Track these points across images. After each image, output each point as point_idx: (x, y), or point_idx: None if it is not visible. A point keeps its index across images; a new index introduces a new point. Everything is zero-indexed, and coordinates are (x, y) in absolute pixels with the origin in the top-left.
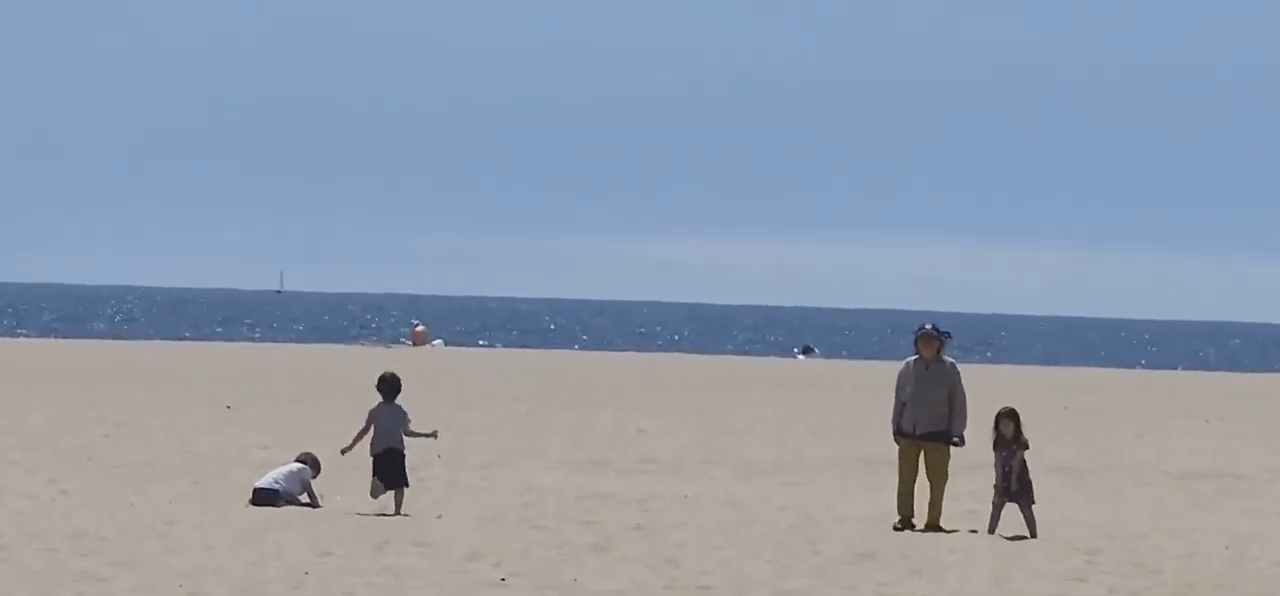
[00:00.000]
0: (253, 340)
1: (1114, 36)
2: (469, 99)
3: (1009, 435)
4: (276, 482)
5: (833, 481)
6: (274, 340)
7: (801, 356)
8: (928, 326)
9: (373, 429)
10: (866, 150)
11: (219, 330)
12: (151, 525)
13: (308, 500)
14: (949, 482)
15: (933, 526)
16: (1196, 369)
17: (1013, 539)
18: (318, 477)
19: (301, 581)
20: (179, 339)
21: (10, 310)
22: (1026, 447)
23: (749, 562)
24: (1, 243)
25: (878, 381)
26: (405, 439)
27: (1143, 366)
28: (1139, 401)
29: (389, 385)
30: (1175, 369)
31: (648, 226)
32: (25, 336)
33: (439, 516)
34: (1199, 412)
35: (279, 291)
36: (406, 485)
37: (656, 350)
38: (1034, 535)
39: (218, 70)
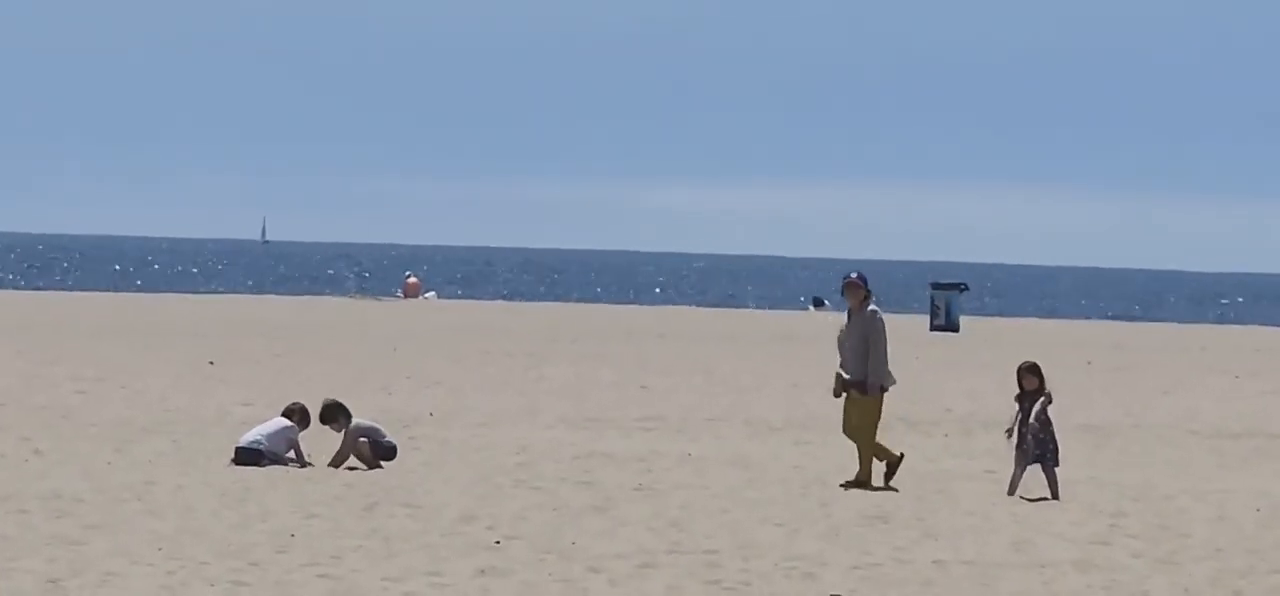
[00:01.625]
0: (235, 292)
1: None
2: (466, 42)
3: (1032, 389)
4: (260, 441)
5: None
6: (258, 292)
7: (813, 309)
8: (852, 275)
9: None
10: (883, 95)
11: (196, 274)
12: (129, 486)
13: (294, 458)
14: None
15: (857, 483)
16: (1225, 323)
17: (1035, 500)
18: (305, 430)
19: (287, 544)
20: (156, 292)
21: None
22: (1050, 401)
23: (757, 526)
24: None
25: (892, 334)
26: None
27: (1172, 317)
28: (1167, 358)
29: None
30: (1203, 323)
31: (652, 173)
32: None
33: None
34: (1229, 369)
35: (264, 240)
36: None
37: (660, 303)
38: (1056, 497)
39: (198, 9)
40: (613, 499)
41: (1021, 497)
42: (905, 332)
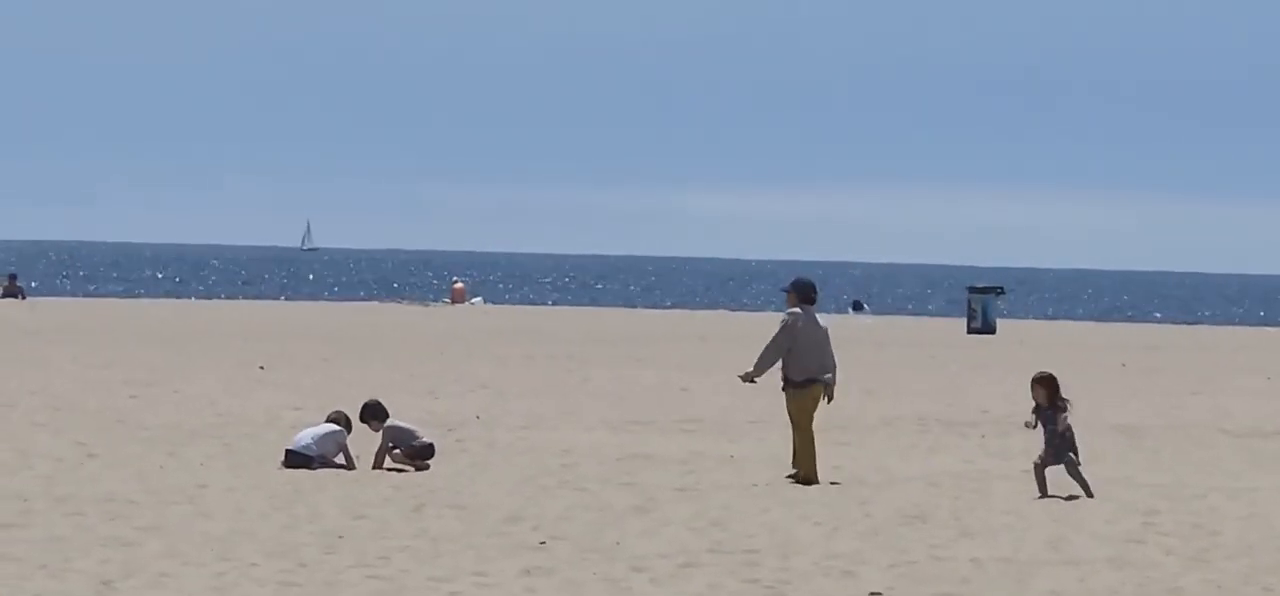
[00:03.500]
0: (282, 298)
1: None
2: (509, 49)
3: (1043, 402)
4: (310, 444)
5: (883, 441)
6: (305, 297)
7: (852, 313)
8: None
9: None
10: (921, 100)
11: (244, 284)
12: (182, 488)
13: (342, 462)
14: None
15: (797, 479)
16: (1258, 325)
17: (1068, 499)
18: (350, 435)
19: (335, 545)
20: (204, 298)
21: (26, 269)
22: (1063, 410)
23: (797, 524)
24: (14, 198)
25: (930, 337)
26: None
27: (1207, 319)
28: (1199, 358)
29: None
30: (1235, 324)
31: (693, 179)
32: (50, 295)
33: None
34: (1261, 369)
35: (309, 247)
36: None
37: (699, 307)
38: (1089, 494)
39: (238, 17)
40: (655, 499)
41: (1056, 496)
42: (943, 336)
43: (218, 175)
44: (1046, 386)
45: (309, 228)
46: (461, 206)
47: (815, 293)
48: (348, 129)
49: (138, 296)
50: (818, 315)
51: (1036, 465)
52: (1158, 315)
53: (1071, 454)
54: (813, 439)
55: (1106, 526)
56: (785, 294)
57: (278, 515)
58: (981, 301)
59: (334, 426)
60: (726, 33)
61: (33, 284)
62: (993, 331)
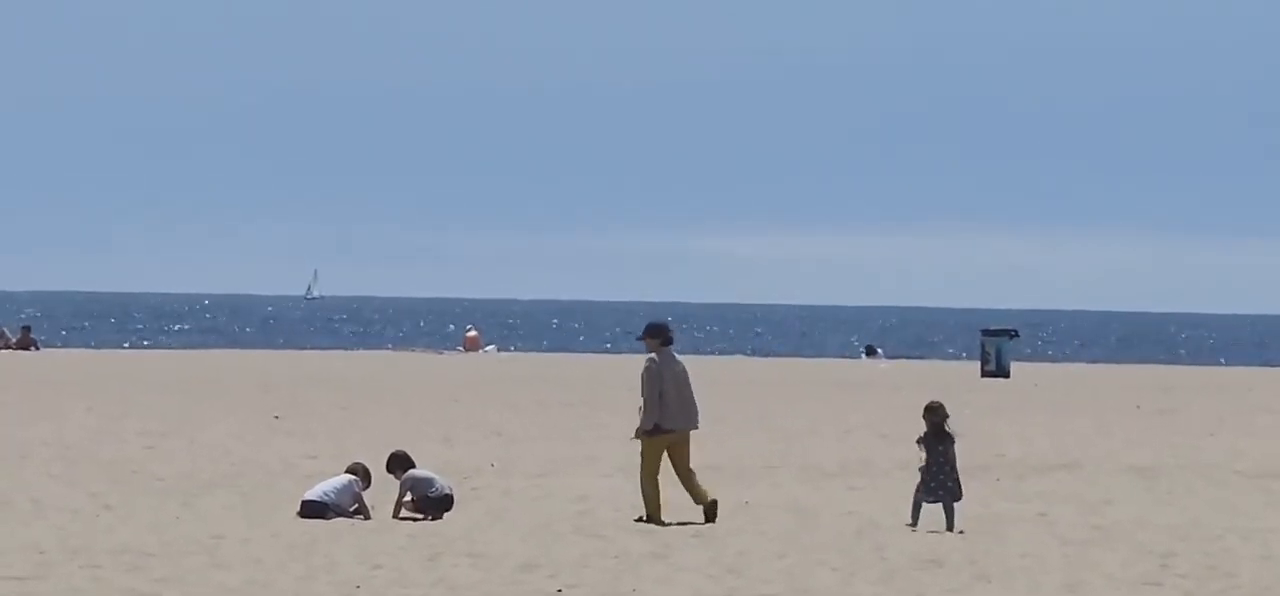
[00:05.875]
0: (292, 347)
1: (1165, 22)
2: (515, 93)
3: (932, 428)
4: (326, 495)
5: (899, 485)
6: (313, 345)
7: (866, 357)
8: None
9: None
10: (931, 141)
11: (250, 332)
12: (198, 539)
13: (358, 510)
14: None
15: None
16: (1272, 365)
17: (1083, 542)
18: (368, 489)
19: (353, 595)
20: (211, 348)
21: (34, 316)
22: (952, 442)
23: (813, 570)
24: (18, 246)
25: (944, 381)
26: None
27: (1222, 363)
28: (1212, 399)
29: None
30: (1249, 365)
31: (702, 222)
32: (60, 344)
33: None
34: (1274, 409)
35: (313, 296)
36: None
37: (713, 353)
38: (950, 530)
39: (240, 64)
40: (671, 545)
41: (1068, 538)
42: (957, 379)
43: (232, 224)
44: (934, 414)
45: (316, 275)
46: (471, 253)
47: (671, 334)
48: (358, 176)
49: (149, 346)
50: (675, 353)
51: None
52: (1182, 351)
53: (949, 490)
54: (656, 482)
55: (1123, 568)
56: (642, 339)
57: (294, 565)
58: (996, 344)
59: (351, 477)
60: (740, 78)
61: (41, 337)
62: (1007, 374)
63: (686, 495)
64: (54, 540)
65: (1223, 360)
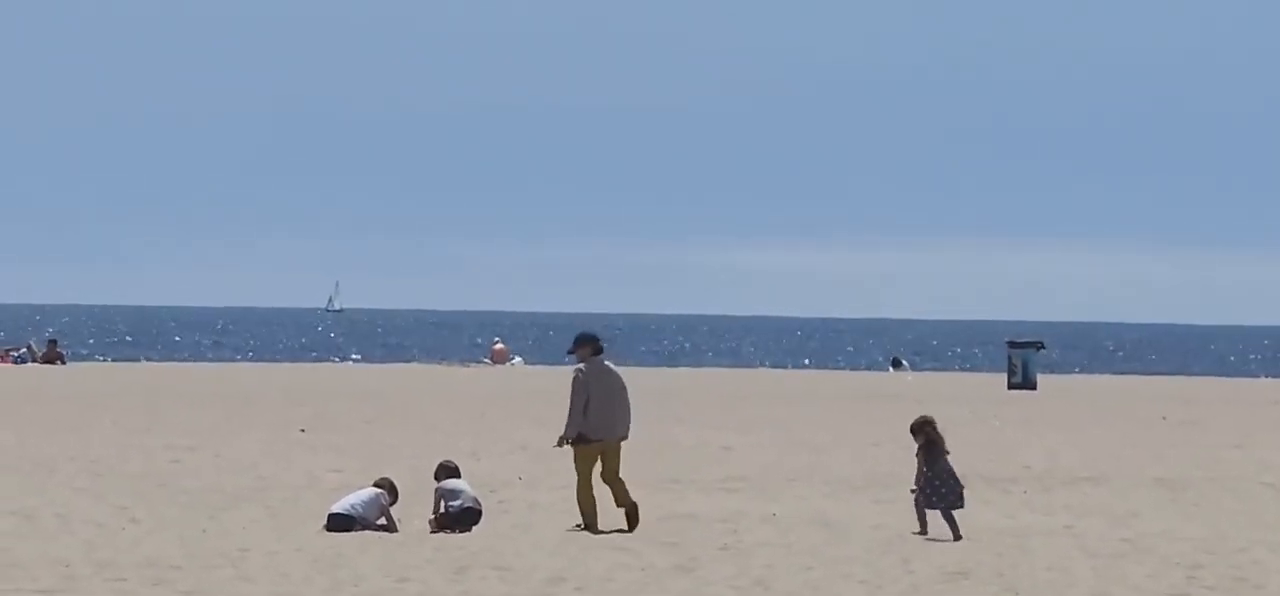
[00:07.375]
0: (316, 360)
1: (1210, 32)
2: (542, 105)
3: (922, 443)
4: (353, 509)
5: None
6: (339, 358)
7: (892, 370)
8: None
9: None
10: (957, 155)
11: (280, 346)
12: (224, 552)
13: (385, 523)
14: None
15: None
16: None
17: (1112, 556)
18: (395, 504)
19: None
20: (235, 361)
21: (61, 332)
22: (945, 453)
23: (840, 583)
24: (41, 260)
25: (970, 393)
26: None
27: (1259, 376)
28: (1236, 411)
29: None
30: (1275, 377)
31: (727, 234)
32: (85, 359)
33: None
34: None
35: (335, 308)
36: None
37: (738, 365)
38: (957, 538)
39: (257, 78)
40: (697, 559)
41: (1098, 551)
42: (983, 391)
43: (249, 236)
44: (922, 430)
45: (337, 286)
46: (495, 265)
47: (601, 343)
48: (378, 188)
49: (175, 360)
50: (609, 363)
51: (916, 500)
52: (1206, 363)
53: (949, 497)
54: (591, 491)
55: (1150, 581)
56: (572, 352)
57: (321, 578)
58: (1022, 356)
59: (378, 491)
60: (754, 89)
61: (66, 349)
62: (1033, 386)
63: (615, 503)
64: (80, 553)
65: (1260, 373)
